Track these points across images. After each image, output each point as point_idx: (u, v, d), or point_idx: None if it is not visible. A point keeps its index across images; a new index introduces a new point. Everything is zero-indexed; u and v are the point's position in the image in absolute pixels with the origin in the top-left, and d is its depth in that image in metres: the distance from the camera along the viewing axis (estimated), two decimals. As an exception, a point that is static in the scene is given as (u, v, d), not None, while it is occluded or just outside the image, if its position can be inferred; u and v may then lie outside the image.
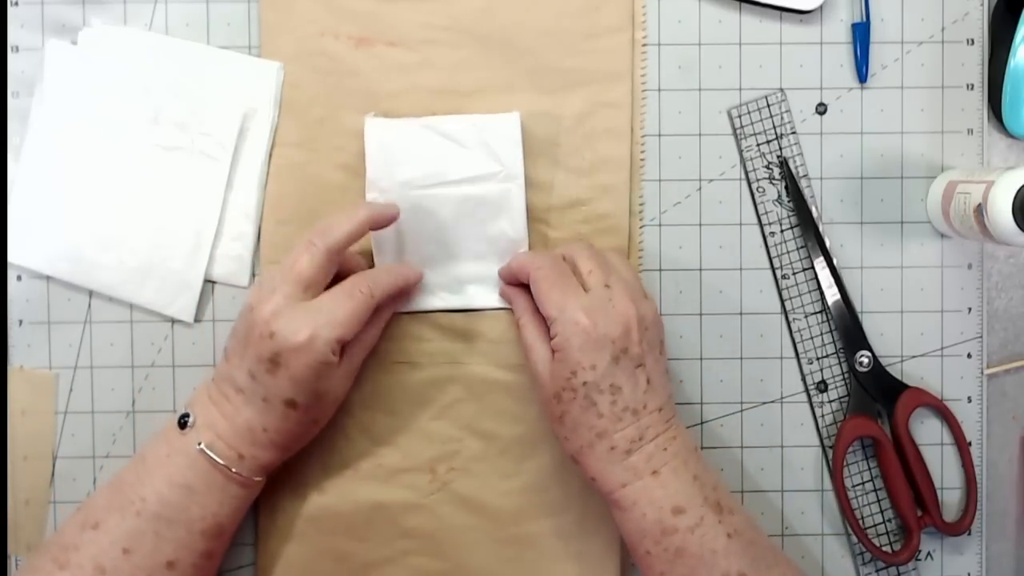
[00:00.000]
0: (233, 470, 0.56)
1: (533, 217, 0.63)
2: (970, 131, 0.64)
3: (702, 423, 0.64)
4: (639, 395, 0.54)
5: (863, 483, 0.64)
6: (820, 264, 0.63)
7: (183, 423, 0.56)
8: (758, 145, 0.64)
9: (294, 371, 0.54)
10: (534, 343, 0.57)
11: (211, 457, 0.55)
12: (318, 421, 0.58)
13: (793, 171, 0.64)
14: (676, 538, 0.54)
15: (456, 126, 0.62)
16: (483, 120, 0.62)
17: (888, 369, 0.64)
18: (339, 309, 0.55)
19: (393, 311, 0.62)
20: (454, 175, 0.62)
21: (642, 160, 0.64)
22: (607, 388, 0.54)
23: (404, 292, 0.61)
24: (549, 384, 0.56)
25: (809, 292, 0.64)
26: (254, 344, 0.55)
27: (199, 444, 0.55)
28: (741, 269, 0.64)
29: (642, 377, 0.55)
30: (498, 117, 0.62)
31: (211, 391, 0.57)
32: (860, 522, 0.64)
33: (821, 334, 0.64)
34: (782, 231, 0.64)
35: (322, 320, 0.54)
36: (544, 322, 0.56)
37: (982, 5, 0.64)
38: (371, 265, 0.63)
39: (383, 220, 0.59)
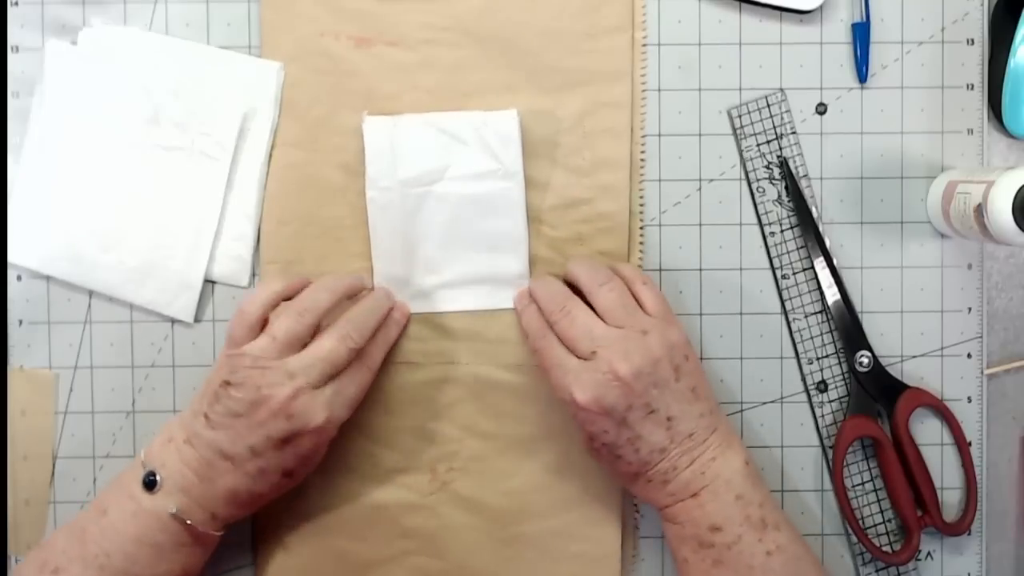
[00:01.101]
0: (199, 527, 0.56)
1: (533, 217, 0.63)
2: (970, 131, 0.64)
3: (702, 423, 0.64)
4: (661, 435, 0.55)
5: (863, 483, 0.64)
6: (820, 264, 0.63)
7: (150, 483, 0.55)
8: (758, 145, 0.64)
9: (302, 448, 0.56)
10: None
11: (182, 521, 0.55)
12: (295, 479, 0.58)
13: (793, 171, 0.64)
14: (712, 552, 0.55)
15: (455, 123, 0.62)
16: (482, 117, 0.62)
17: (888, 369, 0.64)
18: (351, 388, 0.57)
19: (383, 355, 0.61)
20: (453, 172, 0.62)
21: (642, 160, 0.64)
22: (625, 442, 0.55)
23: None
24: (581, 442, 0.58)
25: (809, 292, 0.64)
26: (263, 424, 0.55)
27: (172, 510, 0.55)
28: (741, 269, 0.64)
29: (659, 419, 0.55)
30: (496, 114, 0.62)
31: (184, 454, 0.56)
32: (860, 522, 0.64)
33: (821, 334, 0.64)
34: (782, 231, 0.64)
35: (337, 402, 0.56)
36: None
37: (982, 5, 0.64)
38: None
39: (356, 291, 0.61)
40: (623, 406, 0.54)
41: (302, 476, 0.58)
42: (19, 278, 0.64)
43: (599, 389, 0.54)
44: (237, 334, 0.57)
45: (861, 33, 0.63)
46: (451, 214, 0.62)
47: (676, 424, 0.55)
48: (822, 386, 0.64)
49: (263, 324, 0.57)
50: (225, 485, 0.55)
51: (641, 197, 0.64)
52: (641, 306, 0.58)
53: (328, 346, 0.56)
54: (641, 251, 0.64)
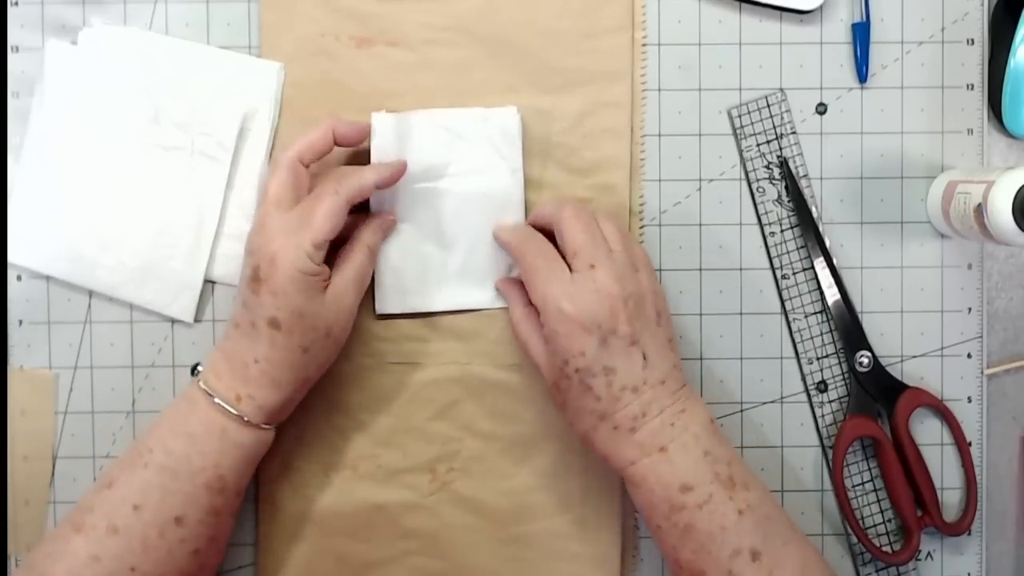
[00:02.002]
0: (228, 408, 0.56)
1: (533, 217, 0.63)
2: (970, 131, 0.64)
3: (702, 423, 0.64)
4: (636, 372, 0.54)
5: (863, 483, 0.64)
6: (820, 264, 0.64)
7: (194, 370, 0.59)
8: (758, 145, 0.64)
9: (274, 284, 0.54)
10: (529, 337, 0.58)
11: (210, 398, 0.56)
12: (308, 350, 0.56)
13: (793, 171, 0.64)
14: (684, 515, 0.54)
15: (458, 119, 0.62)
16: (484, 114, 0.62)
17: (888, 369, 0.64)
18: (309, 213, 0.55)
19: (378, 238, 0.61)
20: (456, 169, 0.62)
21: (642, 160, 0.64)
22: (600, 371, 0.54)
23: (386, 182, 0.59)
24: (547, 374, 0.56)
25: (809, 292, 0.64)
26: (242, 270, 0.56)
27: (199, 382, 0.56)
28: (741, 269, 0.64)
29: (637, 354, 0.54)
30: (498, 111, 0.62)
31: (222, 338, 0.58)
32: (860, 522, 0.64)
33: (821, 334, 0.64)
34: (782, 231, 0.64)
35: (293, 226, 0.55)
36: (538, 313, 0.56)
37: (982, 5, 0.64)
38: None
39: (349, 135, 0.59)
40: (608, 326, 0.54)
41: (295, 336, 0.55)
42: (19, 278, 0.64)
43: (590, 304, 0.54)
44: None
45: (861, 33, 0.63)
46: (454, 210, 0.62)
47: (652, 367, 0.55)
48: (822, 386, 0.64)
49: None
50: (237, 354, 0.56)
51: (641, 197, 0.64)
52: None
53: (270, 178, 0.57)
54: (641, 251, 0.64)
